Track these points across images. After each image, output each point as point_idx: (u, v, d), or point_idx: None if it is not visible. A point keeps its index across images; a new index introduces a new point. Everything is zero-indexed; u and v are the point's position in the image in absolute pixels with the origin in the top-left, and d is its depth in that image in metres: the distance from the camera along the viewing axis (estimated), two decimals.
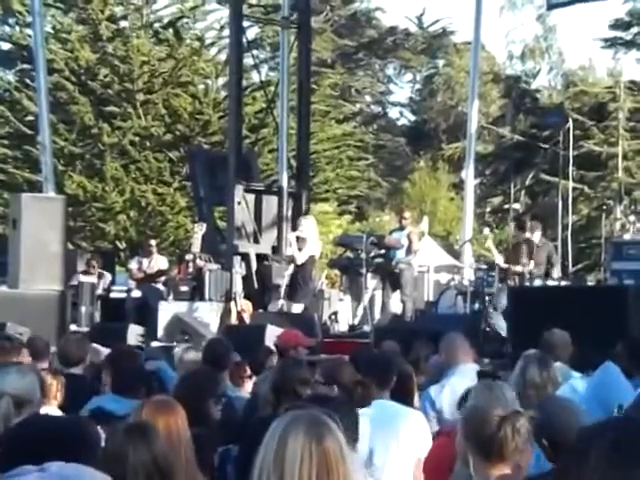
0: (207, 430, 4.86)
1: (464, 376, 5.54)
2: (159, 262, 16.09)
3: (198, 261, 14.70)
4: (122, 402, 5.40)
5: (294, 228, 15.27)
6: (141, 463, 3.42)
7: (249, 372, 7.21)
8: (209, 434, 4.91)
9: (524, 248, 13.42)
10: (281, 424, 2.58)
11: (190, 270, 14.85)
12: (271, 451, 2.54)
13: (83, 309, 14.76)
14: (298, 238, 14.13)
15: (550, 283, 13.51)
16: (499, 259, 13.43)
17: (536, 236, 13.95)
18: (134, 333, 12.72)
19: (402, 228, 14.78)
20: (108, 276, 16.32)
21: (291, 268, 14.27)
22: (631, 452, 1.78)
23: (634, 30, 31.43)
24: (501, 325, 12.16)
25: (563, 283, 13.88)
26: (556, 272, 13.95)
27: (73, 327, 13.50)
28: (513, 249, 13.64)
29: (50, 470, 2.39)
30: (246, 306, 13.94)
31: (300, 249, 13.97)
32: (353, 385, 5.67)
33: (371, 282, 14.61)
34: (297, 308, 13.86)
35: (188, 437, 4.06)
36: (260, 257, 15.86)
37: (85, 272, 15.82)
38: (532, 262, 13.34)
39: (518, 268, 13.38)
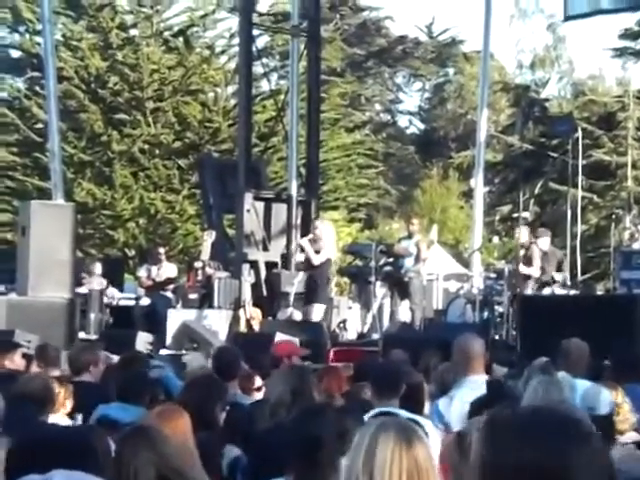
0: (212, 434, 4.87)
1: (474, 388, 5.50)
2: (168, 270, 16.10)
3: (207, 269, 14.71)
4: (128, 410, 5.40)
5: (304, 235, 15.28)
6: (147, 464, 3.43)
7: (259, 384, 7.19)
8: (214, 438, 4.92)
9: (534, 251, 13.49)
10: (370, 429, 2.58)
11: (199, 278, 14.87)
12: (360, 455, 2.54)
13: (92, 316, 14.77)
14: (314, 241, 14.14)
15: (559, 292, 13.49)
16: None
17: (545, 243, 13.95)
18: (143, 341, 12.73)
19: (410, 235, 14.78)
20: (112, 289, 16.19)
21: (301, 275, 14.27)
22: (501, 440, 1.85)
23: None
24: None
25: (572, 292, 13.85)
26: (564, 278, 13.91)
27: (82, 334, 13.51)
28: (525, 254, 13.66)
29: None
30: (255, 314, 13.94)
31: (317, 252, 13.98)
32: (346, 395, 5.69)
33: (380, 290, 14.60)
34: (318, 309, 13.83)
35: (193, 443, 4.08)
36: (269, 265, 15.86)
37: (78, 284, 15.49)
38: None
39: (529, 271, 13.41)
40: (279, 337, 11.08)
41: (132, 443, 3.51)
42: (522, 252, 13.60)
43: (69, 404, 5.92)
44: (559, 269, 13.83)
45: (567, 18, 17.17)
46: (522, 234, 13.77)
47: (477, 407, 4.67)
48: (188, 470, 3.61)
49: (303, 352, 8.97)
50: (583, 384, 5.96)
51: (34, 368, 7.01)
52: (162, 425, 3.93)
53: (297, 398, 5.13)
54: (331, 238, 14.31)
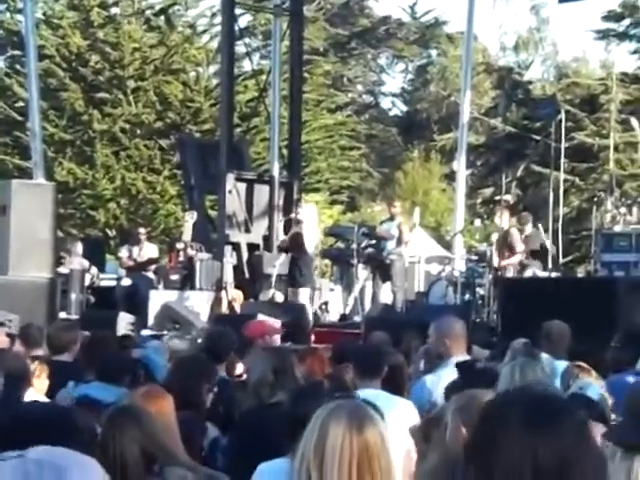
0: (195, 414, 4.87)
1: (453, 370, 5.51)
2: (149, 250, 16.04)
3: (189, 250, 14.68)
4: (108, 390, 5.39)
5: (286, 217, 15.27)
6: (133, 443, 3.43)
7: (241, 370, 7.17)
8: (197, 418, 4.92)
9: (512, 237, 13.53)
10: (323, 413, 2.57)
11: (181, 259, 14.84)
12: (312, 439, 2.53)
13: (73, 296, 14.68)
14: (297, 222, 14.17)
15: (540, 274, 13.54)
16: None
17: (528, 228, 14.03)
18: (124, 321, 12.67)
19: (392, 218, 14.79)
20: (94, 269, 16.09)
21: (283, 257, 14.26)
22: (543, 421, 1.88)
23: (626, 22, 31.40)
24: None
25: (553, 274, 13.90)
26: (549, 260, 13.96)
27: (63, 315, 13.44)
28: (503, 239, 13.70)
29: (28, 456, 2.38)
30: (237, 295, 13.93)
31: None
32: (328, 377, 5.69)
33: (362, 272, 14.61)
34: (304, 293, 13.84)
35: (176, 425, 4.09)
36: (251, 246, 15.83)
37: (59, 263, 15.36)
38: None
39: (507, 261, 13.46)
40: (260, 319, 11.06)
41: (118, 422, 3.50)
42: (501, 239, 13.63)
43: (44, 383, 5.90)
44: (542, 250, 13.87)
45: (561, 0, 17.08)
46: (502, 220, 13.83)
47: (451, 391, 4.68)
48: (173, 449, 3.62)
49: (276, 332, 8.90)
50: (564, 366, 5.98)
51: (17, 347, 6.98)
52: (146, 406, 3.93)
53: (279, 378, 5.13)
54: (314, 221, 14.38)
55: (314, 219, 14.44)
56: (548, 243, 14.01)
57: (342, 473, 2.48)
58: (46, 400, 5.48)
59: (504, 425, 1.88)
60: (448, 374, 5.56)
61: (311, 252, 14.37)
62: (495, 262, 13.33)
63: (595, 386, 5.22)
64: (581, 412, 1.94)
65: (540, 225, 14.45)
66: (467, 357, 5.93)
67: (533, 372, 4.99)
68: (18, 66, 25.99)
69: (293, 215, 14.42)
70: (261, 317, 11.15)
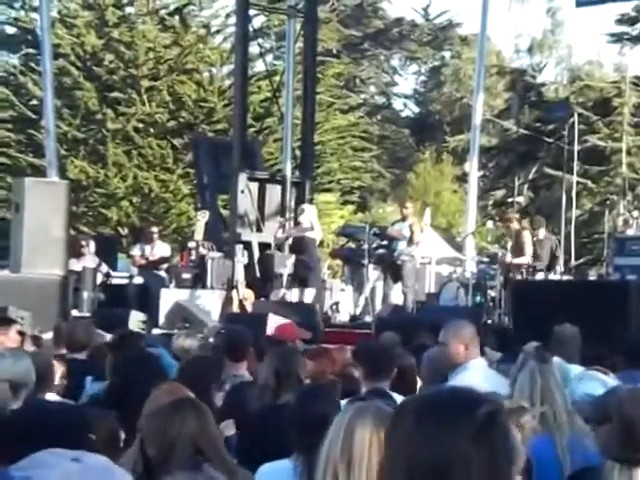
0: None
1: (473, 373, 5.50)
2: (161, 249, 16.08)
3: (201, 249, 14.71)
4: None
5: (297, 217, 15.31)
6: (188, 429, 3.47)
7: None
8: None
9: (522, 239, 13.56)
10: (347, 414, 2.56)
11: (192, 258, 14.86)
12: (338, 441, 2.51)
13: (85, 294, 14.72)
14: (298, 223, 14.22)
15: (552, 277, 13.54)
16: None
17: (541, 232, 14.06)
18: (136, 319, 12.71)
19: (404, 219, 14.80)
20: (104, 266, 16.12)
21: (294, 257, 14.30)
22: (430, 427, 1.78)
23: None
24: None
25: (565, 278, 13.90)
26: (559, 266, 13.98)
27: (75, 312, 13.49)
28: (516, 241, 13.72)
29: (85, 462, 2.35)
30: (248, 295, 13.95)
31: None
32: (338, 377, 5.69)
33: (373, 273, 14.62)
34: (309, 293, 13.87)
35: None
36: (262, 246, 15.86)
37: (78, 255, 15.36)
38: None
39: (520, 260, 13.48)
40: (272, 318, 11.08)
41: (181, 407, 3.54)
42: (512, 242, 13.65)
43: (60, 382, 5.93)
44: (552, 255, 13.89)
45: (579, 4, 17.01)
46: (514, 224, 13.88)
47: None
48: (221, 448, 3.66)
49: (306, 335, 8.89)
50: (576, 370, 5.98)
51: (27, 345, 7.00)
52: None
53: (283, 380, 5.12)
54: (316, 220, 14.47)
55: (314, 219, 14.48)
56: (559, 250, 14.04)
57: (371, 473, 2.48)
58: (58, 398, 5.51)
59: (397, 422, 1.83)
60: (461, 380, 5.53)
61: (316, 251, 14.45)
62: (507, 258, 13.37)
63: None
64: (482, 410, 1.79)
65: (553, 232, 14.51)
66: (482, 360, 5.91)
67: (554, 377, 4.98)
68: (33, 64, 26.07)
69: (293, 217, 14.50)
70: (272, 317, 11.19)
